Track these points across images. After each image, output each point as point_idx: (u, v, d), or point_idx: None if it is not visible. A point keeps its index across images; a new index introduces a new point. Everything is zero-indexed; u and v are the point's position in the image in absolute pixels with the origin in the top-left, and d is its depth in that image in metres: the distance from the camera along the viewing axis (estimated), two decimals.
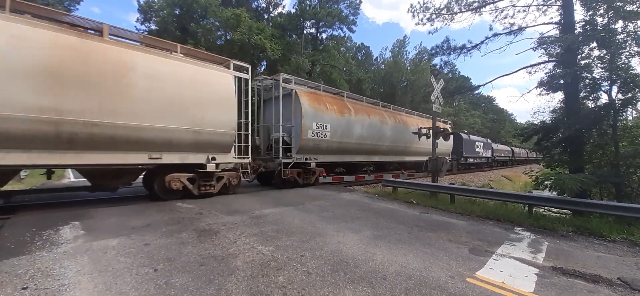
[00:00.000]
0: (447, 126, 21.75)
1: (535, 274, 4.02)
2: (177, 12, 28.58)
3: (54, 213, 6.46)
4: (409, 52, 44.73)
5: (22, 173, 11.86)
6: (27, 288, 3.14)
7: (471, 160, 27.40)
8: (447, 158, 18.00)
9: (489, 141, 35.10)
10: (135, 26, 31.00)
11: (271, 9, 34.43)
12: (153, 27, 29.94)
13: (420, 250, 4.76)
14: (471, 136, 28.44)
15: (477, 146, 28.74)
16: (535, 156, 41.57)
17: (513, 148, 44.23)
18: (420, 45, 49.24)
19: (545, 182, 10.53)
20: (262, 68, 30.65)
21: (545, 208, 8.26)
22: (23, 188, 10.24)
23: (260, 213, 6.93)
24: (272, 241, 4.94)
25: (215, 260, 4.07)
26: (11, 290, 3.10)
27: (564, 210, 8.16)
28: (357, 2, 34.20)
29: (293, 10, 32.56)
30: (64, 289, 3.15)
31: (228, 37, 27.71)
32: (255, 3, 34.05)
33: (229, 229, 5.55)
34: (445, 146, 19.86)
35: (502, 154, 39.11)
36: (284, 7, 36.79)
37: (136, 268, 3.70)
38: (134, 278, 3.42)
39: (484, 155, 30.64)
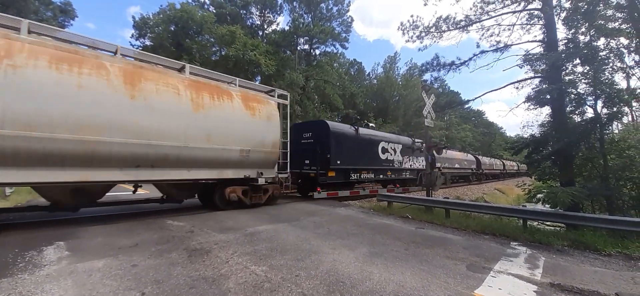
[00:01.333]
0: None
1: (534, 291, 3.97)
2: (173, 28, 28.79)
3: (38, 233, 6.19)
4: (400, 68, 45.74)
5: (7, 190, 11.49)
6: None
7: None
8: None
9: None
10: (130, 42, 31.10)
11: (266, 26, 35.02)
12: (148, 43, 30.06)
13: (417, 268, 4.67)
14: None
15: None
16: (525, 168, 42.09)
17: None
18: (411, 61, 50.48)
19: (538, 195, 10.62)
20: (257, 83, 30.87)
21: (540, 221, 8.30)
22: (7, 205, 9.85)
23: (253, 230, 6.77)
24: (265, 260, 4.80)
25: (206, 281, 3.91)
26: None
27: (558, 224, 8.20)
28: (349, 20, 35.11)
29: (287, 28, 33.17)
30: None
31: (223, 52, 27.93)
32: (250, 20, 34.61)
33: (221, 248, 5.39)
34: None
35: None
36: (278, 24, 37.44)
37: (122, 292, 3.53)
38: None
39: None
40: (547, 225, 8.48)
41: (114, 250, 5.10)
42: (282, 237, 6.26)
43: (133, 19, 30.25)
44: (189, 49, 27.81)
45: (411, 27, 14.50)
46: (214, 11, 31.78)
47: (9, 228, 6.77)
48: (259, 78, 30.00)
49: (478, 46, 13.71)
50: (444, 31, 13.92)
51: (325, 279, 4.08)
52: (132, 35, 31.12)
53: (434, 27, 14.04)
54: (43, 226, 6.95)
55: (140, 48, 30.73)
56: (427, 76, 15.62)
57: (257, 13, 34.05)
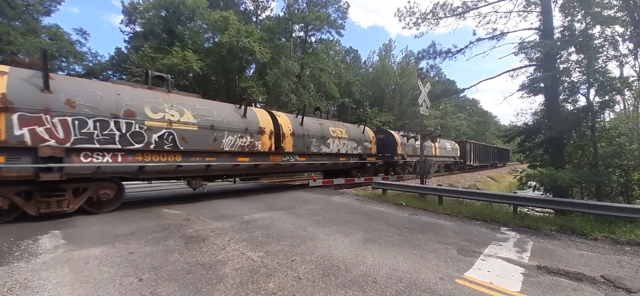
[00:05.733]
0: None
1: (521, 273, 4.12)
2: (164, 14, 28.02)
3: (33, 222, 6.17)
4: (396, 56, 45.36)
5: None
6: None
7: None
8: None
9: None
10: (119, 28, 30.22)
11: (259, 12, 34.28)
12: (138, 29, 29.27)
13: (410, 252, 4.79)
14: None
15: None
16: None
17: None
18: (407, 48, 50.03)
19: (529, 182, 10.82)
20: (251, 71, 30.41)
21: (530, 207, 8.49)
22: None
23: (250, 218, 6.84)
24: (262, 246, 4.88)
25: (203, 267, 3.98)
26: None
27: (547, 210, 8.41)
28: (345, 6, 34.49)
29: (281, 14, 32.54)
30: None
31: (216, 39, 27.38)
32: (243, 6, 33.79)
33: (218, 235, 5.45)
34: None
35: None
36: (271, 10, 36.65)
37: (120, 278, 3.57)
38: (117, 289, 3.30)
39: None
40: (537, 211, 8.69)
41: (111, 238, 5.13)
42: (278, 224, 6.34)
43: (122, 4, 29.27)
44: (181, 36, 27.20)
45: (408, 13, 14.36)
46: None
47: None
48: (254, 66, 29.60)
49: (474, 34, 13.75)
50: (441, 18, 13.81)
51: (321, 264, 4.18)
52: (122, 21, 30.28)
53: (431, 14, 13.91)
54: (38, 216, 6.92)
55: (131, 34, 29.96)
56: (423, 64, 15.57)
57: None
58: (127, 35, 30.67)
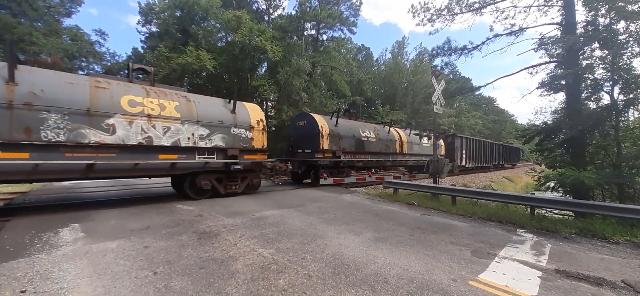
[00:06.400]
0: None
1: (538, 277, 3.98)
2: (178, 14, 28.61)
3: (54, 215, 6.44)
4: (409, 54, 44.70)
5: None
6: (26, 291, 3.12)
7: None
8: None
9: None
10: (136, 28, 31.07)
11: (271, 11, 34.45)
12: (154, 29, 30.00)
13: (421, 253, 4.71)
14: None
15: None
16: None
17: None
18: (421, 45, 49.17)
19: (548, 183, 10.45)
20: (263, 70, 30.63)
21: (548, 209, 8.20)
22: (24, 190, 10.23)
23: (260, 215, 6.89)
24: (272, 243, 4.91)
25: (215, 262, 4.04)
26: (10, 293, 3.07)
27: (566, 212, 8.10)
28: (358, 4, 34.16)
29: (293, 12, 32.57)
30: (62, 292, 3.12)
31: (229, 38, 27.72)
32: (256, 5, 34.05)
33: (229, 231, 5.52)
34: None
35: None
36: (283, 8, 36.76)
37: (135, 271, 3.67)
38: (133, 282, 3.39)
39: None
40: (555, 213, 8.38)
41: (126, 232, 5.28)
42: (288, 222, 6.36)
43: (139, 5, 30.04)
44: (195, 35, 27.69)
45: (422, 9, 14.07)
46: None
47: (26, 211, 7.06)
48: (266, 65, 29.79)
49: (491, 30, 13.32)
50: (457, 14, 13.47)
51: (331, 262, 4.16)
52: (138, 21, 31.10)
53: (446, 10, 13.58)
54: (58, 209, 7.23)
55: (147, 34, 30.72)
56: (437, 61, 15.23)
57: None
58: (143, 35, 31.47)
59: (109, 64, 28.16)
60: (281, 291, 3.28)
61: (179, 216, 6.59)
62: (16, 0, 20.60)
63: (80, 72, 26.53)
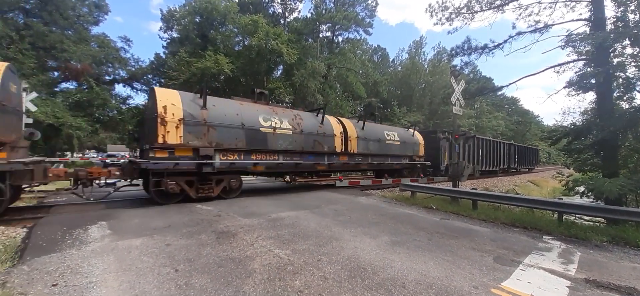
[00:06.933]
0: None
1: (566, 286, 3.77)
2: (198, 20, 29.52)
3: (83, 213, 6.80)
4: (427, 53, 43.87)
5: None
6: (57, 285, 3.30)
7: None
8: None
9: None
10: (158, 35, 32.29)
11: (287, 14, 34.86)
12: (175, 34, 31.12)
13: (441, 258, 4.59)
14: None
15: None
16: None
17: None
18: (439, 45, 48.05)
19: (577, 188, 9.91)
20: (279, 72, 31.01)
21: (577, 215, 7.76)
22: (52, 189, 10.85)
23: (276, 216, 6.96)
24: (288, 244, 4.94)
25: (233, 262, 4.11)
26: (42, 286, 3.26)
27: (597, 218, 7.64)
28: (374, 4, 33.94)
29: (309, 15, 32.79)
30: (91, 286, 3.28)
31: (246, 42, 28.27)
32: (272, 8, 34.58)
33: (247, 231, 5.61)
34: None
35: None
36: (299, 11, 37.12)
37: (158, 268, 3.80)
38: (155, 278, 3.52)
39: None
40: (585, 220, 7.92)
41: (149, 230, 5.49)
42: (304, 223, 6.38)
43: (160, 12, 31.33)
44: (213, 40, 28.46)
45: (440, 8, 13.73)
46: (237, 0, 32.13)
47: (56, 208, 7.49)
48: (281, 67, 30.14)
49: (514, 27, 12.72)
50: (477, 12, 13.03)
51: (347, 265, 4.13)
52: (160, 28, 32.37)
53: (465, 8, 13.17)
54: (86, 207, 7.62)
55: (168, 40, 31.89)
56: (456, 61, 14.78)
57: (279, 0, 33.96)
58: (165, 41, 32.73)
59: (134, 69, 29.44)
60: (297, 292, 3.29)
61: (198, 216, 6.77)
62: (48, 10, 21.94)
63: (107, 77, 27.93)
